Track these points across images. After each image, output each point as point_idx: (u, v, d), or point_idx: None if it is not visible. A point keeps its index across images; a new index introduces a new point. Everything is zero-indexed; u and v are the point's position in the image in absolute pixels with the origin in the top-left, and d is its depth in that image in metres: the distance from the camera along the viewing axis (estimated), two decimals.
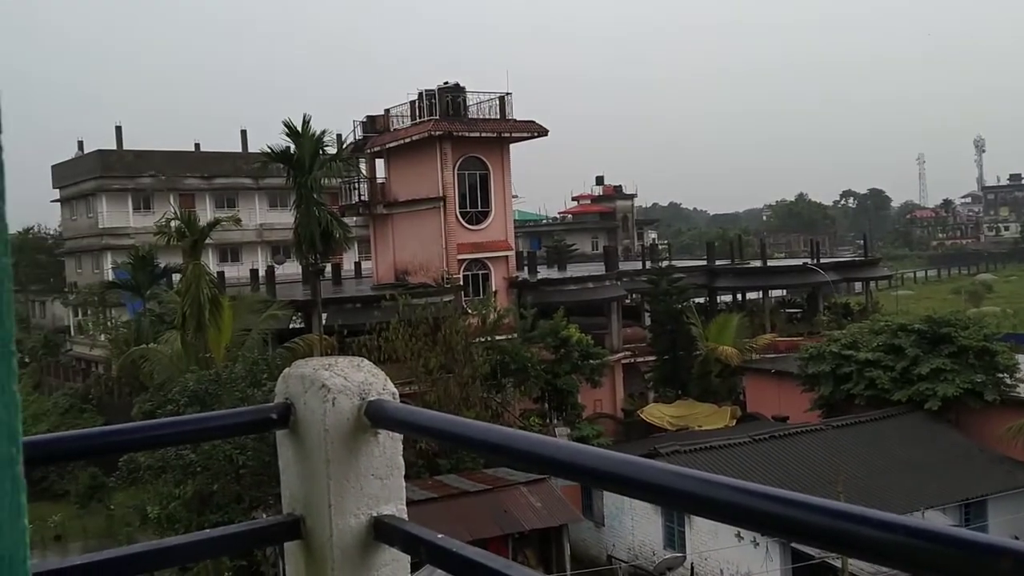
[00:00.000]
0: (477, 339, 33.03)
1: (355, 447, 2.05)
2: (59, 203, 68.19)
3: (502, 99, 40.70)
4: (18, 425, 0.71)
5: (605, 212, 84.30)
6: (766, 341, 42.44)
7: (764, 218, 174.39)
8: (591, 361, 36.65)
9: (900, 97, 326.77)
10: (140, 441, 2.10)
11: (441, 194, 39.32)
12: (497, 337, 34.21)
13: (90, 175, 61.00)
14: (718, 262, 51.34)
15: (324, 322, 34.28)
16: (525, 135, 41.17)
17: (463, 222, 40.01)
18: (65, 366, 56.97)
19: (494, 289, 39.75)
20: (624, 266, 49.98)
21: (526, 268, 46.04)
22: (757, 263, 53.15)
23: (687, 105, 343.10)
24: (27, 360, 63.21)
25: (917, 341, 31.63)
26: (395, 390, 2.14)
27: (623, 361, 42.62)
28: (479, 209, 40.62)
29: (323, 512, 2.04)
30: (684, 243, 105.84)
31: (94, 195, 61.12)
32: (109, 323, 50.66)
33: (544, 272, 48.92)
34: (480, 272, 40.35)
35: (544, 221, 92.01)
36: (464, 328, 32.73)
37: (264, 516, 19.50)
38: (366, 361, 2.18)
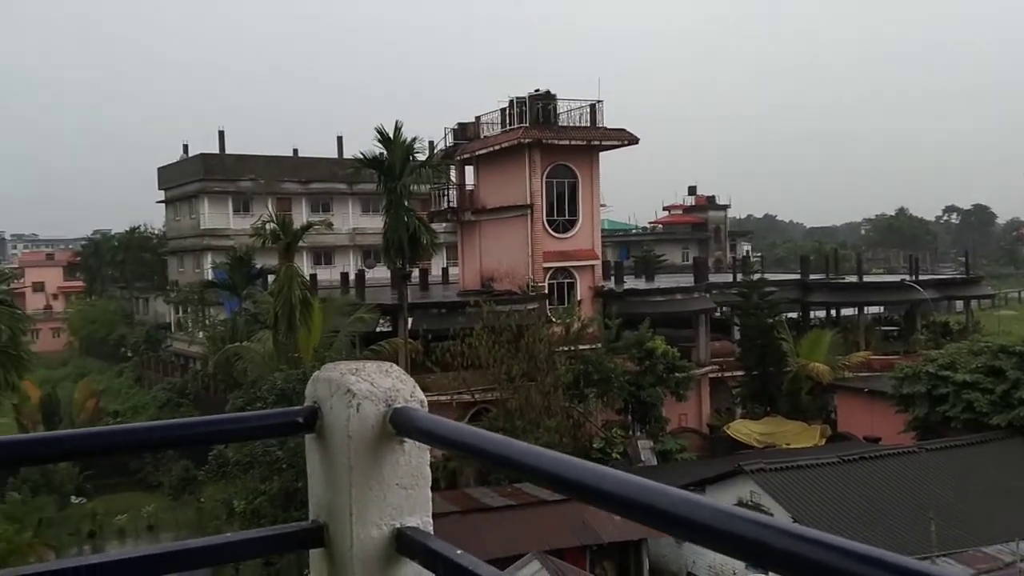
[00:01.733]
0: (560, 348, 32.94)
1: (379, 455, 1.98)
2: (164, 204, 70.72)
3: (593, 107, 40.48)
4: None
5: (697, 223, 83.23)
6: (860, 359, 41.27)
7: (863, 232, 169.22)
8: (677, 374, 36.13)
9: (1009, 110, 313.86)
10: (156, 441, 2.08)
11: (529, 202, 39.36)
12: (581, 347, 34.06)
13: (193, 177, 63.15)
14: (812, 276, 50.12)
15: (410, 326, 34.66)
16: (615, 143, 40.83)
17: (550, 230, 39.96)
18: (165, 361, 59.05)
19: (579, 298, 39.57)
20: (715, 278, 49.15)
21: (612, 278, 45.74)
22: (853, 278, 51.69)
23: (786, 115, 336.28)
24: (130, 355, 65.83)
25: (1019, 363, 30.44)
26: (423, 398, 2.07)
27: (710, 375, 41.91)
28: (566, 217, 40.49)
29: (345, 520, 1.98)
30: (778, 256, 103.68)
31: (196, 197, 63.21)
32: (207, 321, 52.29)
33: (631, 282, 48.51)
34: (565, 281, 40.22)
35: (634, 230, 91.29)
36: (547, 336, 32.69)
37: None
38: (395, 367, 2.12)
